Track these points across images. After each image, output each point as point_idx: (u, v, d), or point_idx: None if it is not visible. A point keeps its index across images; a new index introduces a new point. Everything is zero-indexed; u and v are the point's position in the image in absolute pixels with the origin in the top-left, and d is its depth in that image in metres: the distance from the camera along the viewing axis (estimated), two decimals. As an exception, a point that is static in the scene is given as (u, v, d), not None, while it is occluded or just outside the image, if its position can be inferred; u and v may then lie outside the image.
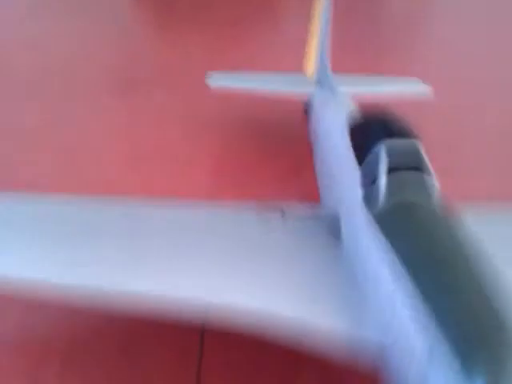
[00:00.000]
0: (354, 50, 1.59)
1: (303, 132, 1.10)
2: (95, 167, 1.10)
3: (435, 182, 0.67)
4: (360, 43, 1.65)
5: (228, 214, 0.77)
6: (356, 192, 0.70)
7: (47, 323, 0.78)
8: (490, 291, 0.53)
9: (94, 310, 0.73)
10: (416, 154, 0.67)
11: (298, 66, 1.37)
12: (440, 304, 0.52)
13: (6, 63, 1.49)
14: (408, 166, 0.67)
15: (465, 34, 1.71)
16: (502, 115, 1.34)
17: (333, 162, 0.84)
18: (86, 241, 0.68)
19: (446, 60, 1.60)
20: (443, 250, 0.57)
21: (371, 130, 0.73)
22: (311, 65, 1.22)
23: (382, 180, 0.65)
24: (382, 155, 0.67)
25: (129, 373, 0.72)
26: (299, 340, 0.60)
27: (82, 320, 0.78)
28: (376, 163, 0.68)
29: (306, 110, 1.11)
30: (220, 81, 1.15)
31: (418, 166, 0.67)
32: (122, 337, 0.76)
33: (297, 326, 0.60)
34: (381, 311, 0.59)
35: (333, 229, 0.76)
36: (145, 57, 1.55)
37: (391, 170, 0.66)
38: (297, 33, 1.55)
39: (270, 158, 1.13)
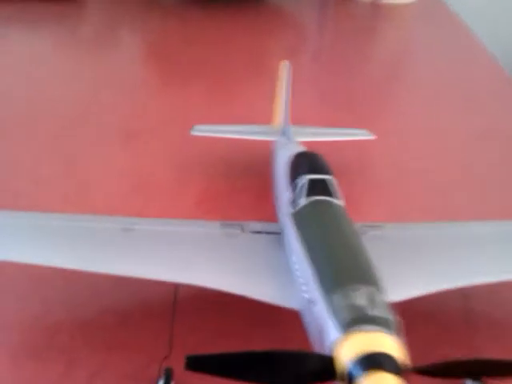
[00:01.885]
0: (331, 104, 1.94)
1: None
2: (101, 197, 1.40)
3: (341, 203, 0.98)
4: (335, 100, 1.99)
5: (199, 227, 1.06)
6: (288, 208, 1.01)
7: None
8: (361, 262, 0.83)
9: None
10: (327, 185, 0.98)
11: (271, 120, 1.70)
12: (320, 269, 0.82)
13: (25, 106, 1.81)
14: (322, 192, 0.98)
15: (418, 107, 2.03)
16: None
17: (279, 188, 1.14)
18: (90, 241, 0.97)
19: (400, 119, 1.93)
20: (332, 236, 0.89)
21: (301, 165, 1.05)
22: (277, 118, 1.53)
23: (302, 201, 0.97)
24: (305, 184, 0.98)
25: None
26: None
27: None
28: (300, 190, 0.98)
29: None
30: (201, 132, 1.47)
31: (328, 193, 0.98)
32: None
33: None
34: (296, 286, 0.88)
35: (280, 238, 1.05)
36: (147, 109, 1.87)
37: (309, 195, 0.97)
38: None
39: (243, 189, 1.44)
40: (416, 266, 0.96)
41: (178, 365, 0.93)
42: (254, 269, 0.95)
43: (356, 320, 0.72)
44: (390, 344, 0.69)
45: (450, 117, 1.93)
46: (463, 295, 1.01)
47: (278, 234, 1.06)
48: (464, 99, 2.06)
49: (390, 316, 0.74)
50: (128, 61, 2.26)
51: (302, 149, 1.22)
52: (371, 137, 1.52)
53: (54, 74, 2.08)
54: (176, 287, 0.96)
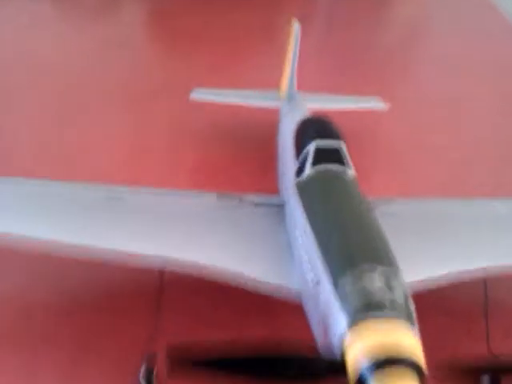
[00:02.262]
0: (339, 72, 1.82)
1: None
2: (96, 163, 1.30)
3: (352, 172, 0.87)
4: (348, 68, 1.87)
5: (194, 198, 0.96)
6: (293, 179, 0.90)
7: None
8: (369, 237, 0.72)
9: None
10: (338, 152, 0.87)
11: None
12: (328, 246, 0.72)
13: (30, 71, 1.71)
14: (331, 160, 0.87)
15: (435, 77, 1.91)
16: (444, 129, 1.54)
17: (284, 158, 1.03)
18: (80, 209, 0.88)
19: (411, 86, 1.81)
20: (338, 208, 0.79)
21: (307, 131, 0.94)
22: (284, 83, 1.42)
23: (308, 169, 0.86)
24: (311, 152, 0.87)
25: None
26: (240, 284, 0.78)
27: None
28: (306, 157, 0.87)
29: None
30: (201, 95, 1.35)
31: (338, 161, 0.86)
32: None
33: (235, 277, 0.79)
34: (298, 264, 0.78)
35: (281, 211, 0.95)
36: (151, 72, 1.75)
37: (316, 163, 0.86)
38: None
39: (243, 160, 1.34)
40: (429, 245, 0.86)
41: (162, 351, 0.86)
42: (252, 244, 0.85)
43: (368, 306, 0.61)
44: (408, 342, 0.58)
45: (468, 87, 1.80)
46: (483, 281, 0.90)
47: (280, 207, 0.96)
48: (484, 70, 1.93)
49: (409, 303, 0.64)
50: (131, 26, 2.14)
51: (308, 114, 1.11)
52: (384, 105, 1.41)
53: (54, 40, 1.95)
54: (161, 272, 0.87)
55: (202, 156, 1.36)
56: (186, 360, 0.59)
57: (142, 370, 0.82)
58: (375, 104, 1.42)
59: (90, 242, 0.81)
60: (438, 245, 0.87)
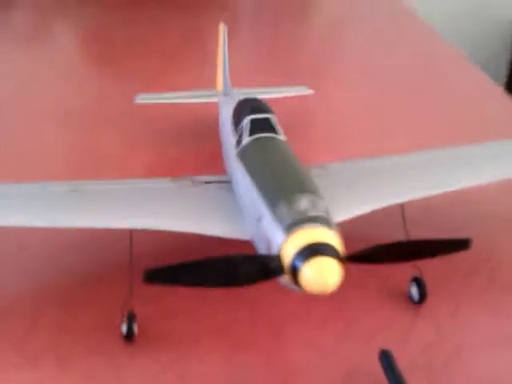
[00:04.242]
0: (269, 70, 2.00)
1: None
2: (43, 175, 1.40)
3: (284, 138, 1.02)
4: (273, 65, 2.05)
5: (149, 183, 1.09)
6: (233, 151, 1.05)
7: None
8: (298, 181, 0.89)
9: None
10: (269, 121, 1.03)
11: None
12: (265, 186, 0.88)
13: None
14: (264, 130, 1.02)
15: (357, 64, 2.13)
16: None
17: (225, 139, 1.18)
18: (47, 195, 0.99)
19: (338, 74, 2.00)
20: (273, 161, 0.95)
21: (243, 110, 1.09)
22: (219, 82, 1.57)
23: (245, 139, 1.01)
24: (247, 124, 1.02)
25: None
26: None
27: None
28: (243, 130, 1.02)
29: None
30: (145, 99, 1.49)
31: (270, 130, 1.02)
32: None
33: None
34: (246, 215, 0.92)
35: (230, 186, 1.09)
36: (86, 88, 1.84)
37: (252, 133, 1.01)
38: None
39: (194, 153, 1.48)
40: (357, 190, 1.02)
41: (140, 309, 0.98)
42: (206, 210, 0.99)
43: (298, 221, 0.77)
44: (329, 236, 0.74)
45: (391, 62, 2.03)
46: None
47: (229, 183, 1.10)
48: (404, 46, 2.16)
49: (330, 216, 0.80)
50: (63, 46, 2.22)
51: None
52: (310, 91, 1.58)
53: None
54: (130, 239, 0.99)
55: (155, 154, 1.48)
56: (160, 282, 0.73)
57: (123, 320, 0.93)
58: (303, 91, 1.59)
59: (56, 224, 0.93)
60: (364, 188, 1.03)
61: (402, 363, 0.90)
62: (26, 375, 0.87)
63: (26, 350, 0.91)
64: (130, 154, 1.48)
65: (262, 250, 0.86)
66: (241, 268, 0.73)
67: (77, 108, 1.70)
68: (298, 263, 0.73)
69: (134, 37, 2.26)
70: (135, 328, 0.92)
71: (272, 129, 1.03)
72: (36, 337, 0.94)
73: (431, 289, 1.04)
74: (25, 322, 0.97)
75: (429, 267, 1.09)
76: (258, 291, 1.03)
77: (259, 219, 0.86)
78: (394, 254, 0.77)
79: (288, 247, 0.75)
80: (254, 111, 1.06)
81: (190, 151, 1.49)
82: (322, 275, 0.71)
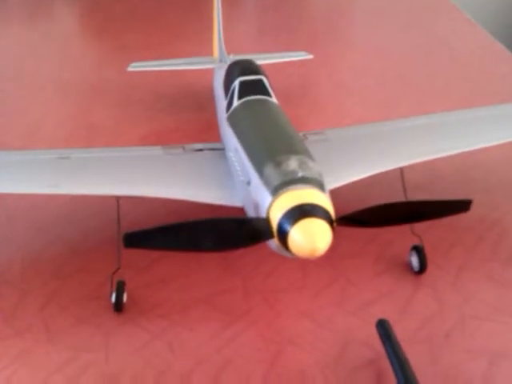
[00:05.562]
0: (270, 36, 1.96)
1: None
2: (40, 143, 1.37)
3: (275, 100, 0.98)
4: (274, 32, 2.00)
5: (140, 151, 1.05)
6: (224, 115, 1.00)
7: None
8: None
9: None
10: (260, 83, 0.98)
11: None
12: (253, 149, 0.84)
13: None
14: (255, 92, 0.97)
15: (358, 32, 2.06)
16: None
17: (218, 104, 1.13)
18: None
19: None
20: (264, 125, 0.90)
21: (233, 72, 1.04)
22: (215, 49, 1.52)
23: (235, 103, 0.97)
24: (236, 87, 0.98)
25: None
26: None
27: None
28: (233, 93, 0.98)
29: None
30: (138, 67, 1.44)
31: (261, 92, 0.98)
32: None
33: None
34: (236, 180, 0.88)
35: (223, 153, 1.05)
36: (83, 59, 1.81)
37: (242, 96, 0.97)
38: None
39: (189, 122, 1.43)
40: (355, 155, 0.98)
41: (130, 278, 0.95)
42: (197, 177, 0.95)
43: (286, 182, 0.72)
44: (318, 196, 0.70)
45: (392, 35, 1.96)
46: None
47: (222, 151, 1.06)
48: (402, 20, 2.09)
49: (321, 178, 0.75)
50: (62, 20, 2.19)
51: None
52: (310, 56, 1.53)
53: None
54: (118, 208, 0.95)
55: (149, 123, 1.44)
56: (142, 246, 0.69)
57: (112, 289, 0.90)
58: (302, 57, 1.54)
59: (43, 190, 0.89)
60: (361, 154, 0.99)
61: (401, 335, 0.87)
62: (14, 345, 0.84)
63: (14, 320, 0.89)
64: (125, 125, 1.44)
65: (251, 215, 0.82)
66: (226, 230, 0.69)
67: (75, 80, 1.67)
68: (286, 226, 0.69)
69: (132, 10, 2.22)
70: (124, 297, 0.89)
71: (263, 91, 0.98)
72: (25, 307, 0.91)
73: (432, 258, 1.00)
74: (14, 291, 0.94)
75: (430, 236, 1.05)
76: (251, 260, 0.99)
77: (248, 183, 0.81)
78: (388, 216, 0.72)
79: (275, 209, 0.71)
80: (243, 73, 1.01)
81: (184, 119, 1.45)
82: (311, 237, 0.66)
